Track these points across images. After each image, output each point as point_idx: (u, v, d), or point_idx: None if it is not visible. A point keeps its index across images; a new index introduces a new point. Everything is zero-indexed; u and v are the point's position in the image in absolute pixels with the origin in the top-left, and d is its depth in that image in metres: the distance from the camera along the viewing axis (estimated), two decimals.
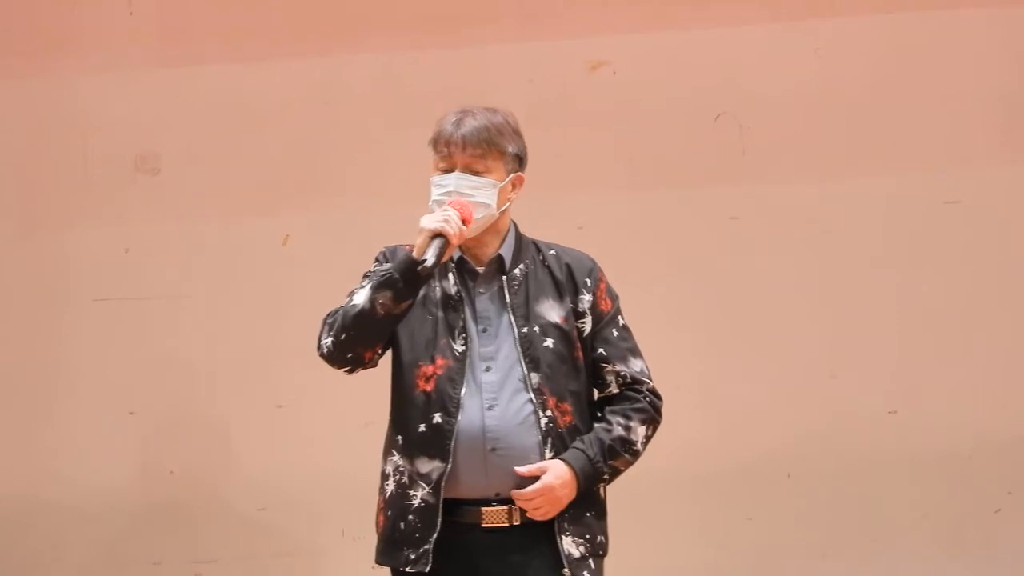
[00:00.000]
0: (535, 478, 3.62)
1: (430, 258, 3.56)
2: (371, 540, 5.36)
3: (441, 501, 3.63)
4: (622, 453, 3.71)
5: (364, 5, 5.49)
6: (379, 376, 5.34)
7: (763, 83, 5.39)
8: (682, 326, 5.31)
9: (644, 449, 3.76)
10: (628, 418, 3.74)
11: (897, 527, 5.32)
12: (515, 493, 3.63)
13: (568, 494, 3.65)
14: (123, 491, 5.47)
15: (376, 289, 3.60)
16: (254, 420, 5.45)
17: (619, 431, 3.72)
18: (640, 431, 3.74)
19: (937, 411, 5.32)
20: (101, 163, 5.54)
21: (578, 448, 3.67)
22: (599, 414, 3.76)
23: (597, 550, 3.71)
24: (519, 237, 3.80)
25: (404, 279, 3.59)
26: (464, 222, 3.61)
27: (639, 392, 3.77)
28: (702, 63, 5.41)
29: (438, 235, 3.58)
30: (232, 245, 5.49)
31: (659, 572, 5.29)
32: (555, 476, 3.63)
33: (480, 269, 3.75)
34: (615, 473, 3.72)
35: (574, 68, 5.42)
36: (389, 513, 3.71)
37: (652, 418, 3.77)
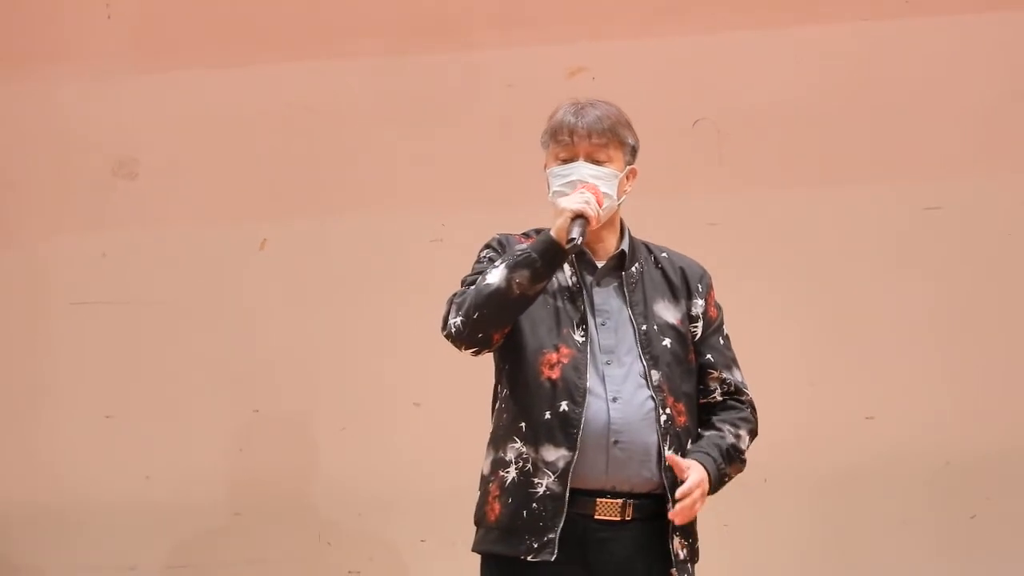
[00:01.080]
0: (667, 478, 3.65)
1: (578, 238, 3.54)
2: (346, 545, 5.41)
3: (568, 491, 3.60)
4: (736, 460, 3.76)
5: (344, 11, 5.49)
6: (353, 381, 5.37)
7: (741, 89, 5.40)
8: None
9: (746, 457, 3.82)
10: (737, 427, 3.79)
11: (874, 533, 5.32)
12: (681, 491, 3.61)
13: (706, 489, 3.67)
14: (99, 495, 5.47)
15: (513, 268, 3.58)
16: (231, 424, 5.45)
17: (731, 439, 3.77)
18: (746, 441, 3.80)
19: (914, 417, 5.33)
20: (79, 168, 5.54)
21: (703, 452, 3.70)
22: (706, 419, 3.79)
23: (695, 555, 3.76)
24: (631, 236, 3.81)
25: (543, 259, 3.57)
26: (599, 205, 3.62)
27: (742, 402, 3.83)
28: (680, 69, 5.41)
29: (579, 216, 3.56)
30: (210, 250, 5.49)
31: None
32: (695, 475, 3.64)
33: (599, 263, 3.74)
34: (729, 479, 3.77)
35: (553, 74, 5.43)
36: (510, 501, 3.66)
37: (754, 429, 3.84)
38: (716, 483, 3.70)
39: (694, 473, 3.63)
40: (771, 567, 5.32)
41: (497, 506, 3.69)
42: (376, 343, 5.40)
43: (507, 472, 3.68)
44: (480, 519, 3.74)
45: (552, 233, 3.58)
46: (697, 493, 3.63)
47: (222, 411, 5.45)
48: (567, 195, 3.62)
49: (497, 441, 3.73)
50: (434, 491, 5.24)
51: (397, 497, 5.33)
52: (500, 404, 3.76)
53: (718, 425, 3.78)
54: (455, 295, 3.69)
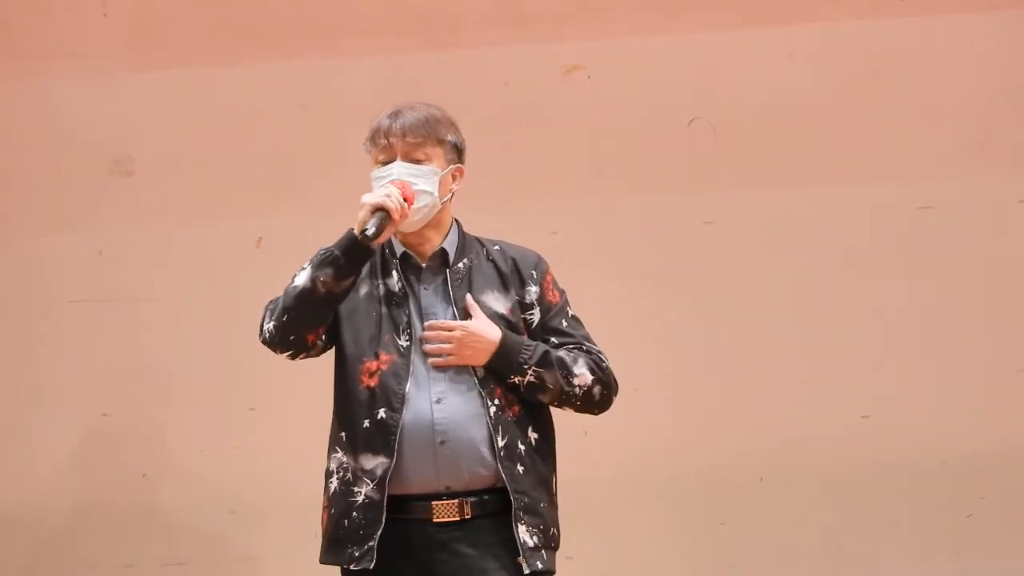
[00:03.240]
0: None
1: (371, 229, 3.56)
2: None
3: (386, 497, 3.61)
4: (555, 369, 3.69)
5: (340, 10, 5.49)
6: None
7: (737, 88, 5.40)
8: (655, 330, 5.31)
9: (583, 400, 3.73)
10: (576, 355, 3.74)
11: (870, 532, 5.32)
12: (431, 323, 3.63)
13: (481, 349, 3.64)
14: (95, 493, 5.46)
15: (317, 267, 3.62)
16: (226, 423, 5.45)
17: (561, 354, 3.72)
18: (585, 373, 3.73)
19: (910, 416, 5.33)
20: (75, 165, 5.53)
21: (516, 335, 3.69)
22: None
23: (550, 542, 3.70)
24: (462, 233, 3.81)
25: (345, 255, 3.60)
26: (406, 201, 3.61)
27: (598, 358, 3.78)
28: (676, 68, 5.41)
29: (379, 209, 3.59)
30: (206, 247, 5.48)
31: None
32: (481, 323, 3.65)
33: (423, 264, 3.74)
34: (538, 383, 3.68)
35: (548, 72, 5.43)
36: (333, 511, 3.72)
37: (604, 380, 3.76)
38: (509, 357, 3.65)
39: (475, 320, 3.65)
40: (767, 565, 5.33)
41: (325, 516, 3.77)
42: None
43: (331, 482, 3.75)
44: (321, 529, 3.80)
45: (355, 229, 3.60)
46: (457, 332, 3.62)
47: (218, 409, 5.45)
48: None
49: (328, 452, 3.78)
50: None
51: None
52: (332, 416, 3.80)
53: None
54: (270, 301, 3.74)
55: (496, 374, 3.67)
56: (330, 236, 5.38)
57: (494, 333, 3.66)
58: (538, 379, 3.68)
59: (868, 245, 5.38)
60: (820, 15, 5.40)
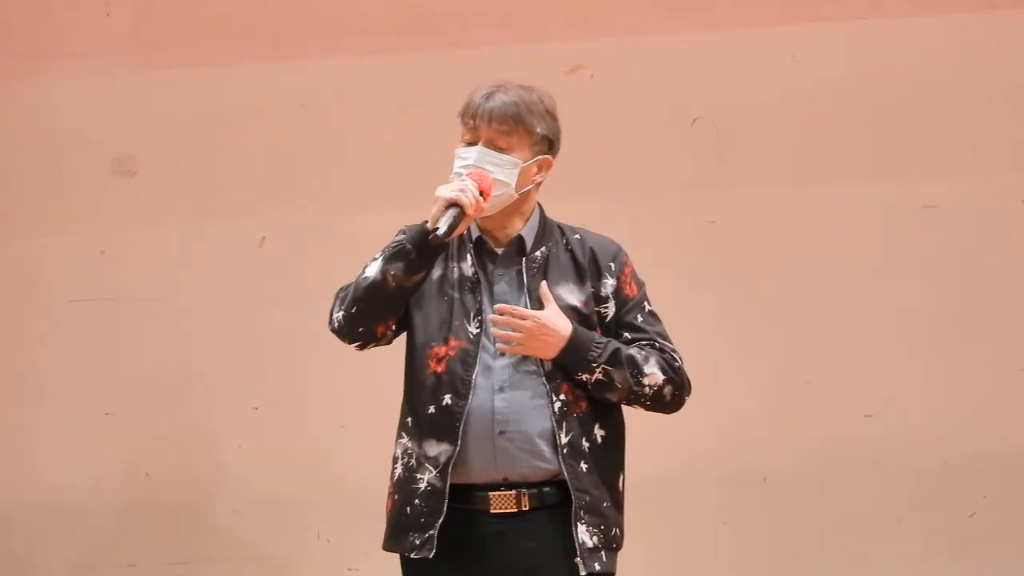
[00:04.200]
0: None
1: (442, 227, 3.48)
2: (344, 542, 5.41)
3: (448, 485, 3.55)
4: (625, 367, 3.59)
5: (341, 9, 5.49)
6: (354, 379, 5.37)
7: (740, 88, 5.39)
8: None
9: (653, 400, 3.64)
10: (648, 354, 3.65)
11: (872, 531, 5.32)
12: (502, 307, 3.53)
13: (551, 343, 3.54)
14: (98, 493, 5.47)
15: (388, 260, 3.55)
16: (229, 422, 5.45)
17: (632, 352, 3.63)
18: (656, 373, 3.64)
19: (913, 415, 5.33)
20: (77, 165, 5.53)
21: (588, 330, 3.59)
22: None
23: (611, 542, 3.64)
24: (544, 220, 3.73)
25: (416, 250, 3.53)
26: (483, 194, 3.53)
27: (671, 357, 3.69)
28: (679, 67, 5.41)
29: (453, 204, 3.50)
30: (208, 247, 5.49)
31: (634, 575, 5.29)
32: (554, 316, 3.55)
33: (499, 250, 3.67)
34: (606, 382, 3.59)
35: (551, 71, 5.41)
36: (396, 497, 3.64)
37: (676, 381, 3.67)
38: (582, 360, 3.57)
39: (548, 311, 3.55)
40: (769, 565, 5.33)
41: (389, 503, 3.69)
42: None
43: (396, 468, 3.67)
44: (385, 516, 3.72)
45: (428, 223, 3.53)
46: (529, 322, 3.52)
47: (221, 408, 5.45)
48: (451, 182, 3.56)
49: (396, 437, 3.70)
50: None
51: None
52: (402, 401, 3.73)
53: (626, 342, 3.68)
54: (340, 289, 3.66)
55: (564, 369, 3.59)
56: (333, 237, 5.42)
57: (565, 327, 3.56)
58: (607, 377, 3.59)
59: (871, 244, 5.38)
60: (823, 15, 5.40)
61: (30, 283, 5.54)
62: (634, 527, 5.16)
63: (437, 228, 3.49)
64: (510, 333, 3.55)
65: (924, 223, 5.36)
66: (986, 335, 5.34)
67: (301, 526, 5.41)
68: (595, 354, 3.58)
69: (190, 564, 5.46)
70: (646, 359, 3.64)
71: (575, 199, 5.36)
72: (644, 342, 3.68)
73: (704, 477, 5.33)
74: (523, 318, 3.54)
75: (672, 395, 3.68)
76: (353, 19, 5.48)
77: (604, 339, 3.62)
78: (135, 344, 5.49)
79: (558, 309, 3.59)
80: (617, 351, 3.61)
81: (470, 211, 3.51)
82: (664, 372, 3.65)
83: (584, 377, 3.60)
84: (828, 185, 5.39)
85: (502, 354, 3.59)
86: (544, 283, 3.60)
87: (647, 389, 3.63)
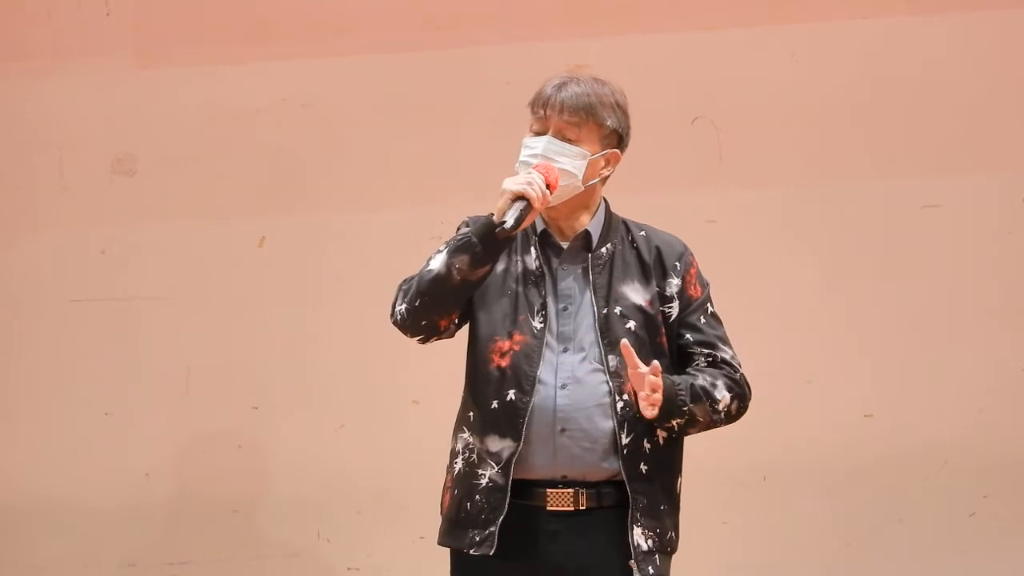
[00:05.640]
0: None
1: (509, 220, 3.44)
2: (344, 542, 5.41)
3: (510, 482, 3.52)
4: (703, 400, 3.56)
5: (342, 8, 5.49)
6: (352, 378, 5.37)
7: (740, 87, 5.39)
8: None
9: (725, 419, 3.62)
10: (714, 378, 3.62)
11: (872, 531, 5.32)
12: (636, 372, 3.46)
13: (658, 403, 3.48)
14: (98, 492, 5.46)
15: (453, 253, 3.51)
16: (229, 422, 5.45)
17: (703, 382, 3.59)
18: (725, 395, 3.61)
19: (913, 415, 5.33)
20: (77, 164, 5.54)
21: (666, 376, 3.53)
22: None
23: (666, 546, 3.61)
24: (609, 215, 3.70)
25: (482, 243, 3.48)
26: (549, 187, 3.50)
27: (731, 368, 3.67)
28: (679, 66, 5.41)
29: (520, 198, 3.47)
30: (208, 247, 5.49)
31: None
32: (659, 378, 3.48)
33: (564, 244, 3.64)
34: (691, 420, 3.55)
35: (552, 70, 5.39)
36: (456, 492, 3.61)
37: (740, 394, 3.65)
38: (671, 406, 3.50)
39: (651, 374, 3.46)
40: (770, 564, 5.33)
41: (448, 497, 3.65)
42: (375, 340, 5.38)
43: (456, 463, 3.63)
44: (441, 511, 3.69)
45: (494, 216, 3.49)
46: (648, 389, 3.45)
47: (221, 408, 5.45)
48: (518, 173, 3.54)
49: (454, 431, 3.66)
50: (433, 488, 5.23)
51: (396, 494, 5.33)
52: (463, 394, 3.69)
53: (693, 372, 3.63)
54: (404, 281, 3.62)
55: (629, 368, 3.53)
56: (333, 237, 5.43)
57: (660, 378, 3.49)
58: (691, 415, 3.55)
59: (872, 244, 5.38)
60: (823, 14, 5.40)
61: (30, 283, 5.54)
62: None
63: (504, 221, 3.45)
64: (653, 396, 3.48)
65: (924, 223, 5.36)
66: (986, 335, 5.34)
67: (301, 526, 5.41)
68: (683, 397, 3.54)
69: (190, 564, 5.46)
70: (714, 385, 3.62)
71: None
72: (705, 351, 3.66)
73: (704, 476, 5.31)
74: (653, 383, 3.47)
75: (738, 408, 3.68)
76: (353, 19, 5.48)
77: (680, 379, 3.58)
78: (135, 344, 5.49)
79: (654, 366, 3.51)
80: (693, 387, 3.58)
81: (537, 204, 3.48)
82: (730, 390, 3.64)
83: (675, 422, 3.57)
84: (828, 184, 5.39)
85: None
86: (624, 340, 3.53)
87: (722, 414, 3.62)
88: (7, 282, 5.55)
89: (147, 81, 5.54)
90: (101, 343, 5.50)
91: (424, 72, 5.41)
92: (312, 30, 5.49)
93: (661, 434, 3.60)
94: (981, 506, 5.31)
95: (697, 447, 5.29)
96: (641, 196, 5.38)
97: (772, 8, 5.40)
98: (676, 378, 3.57)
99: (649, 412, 3.48)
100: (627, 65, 5.42)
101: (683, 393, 3.54)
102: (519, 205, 3.47)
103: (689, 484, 5.31)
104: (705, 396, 3.58)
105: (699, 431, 3.64)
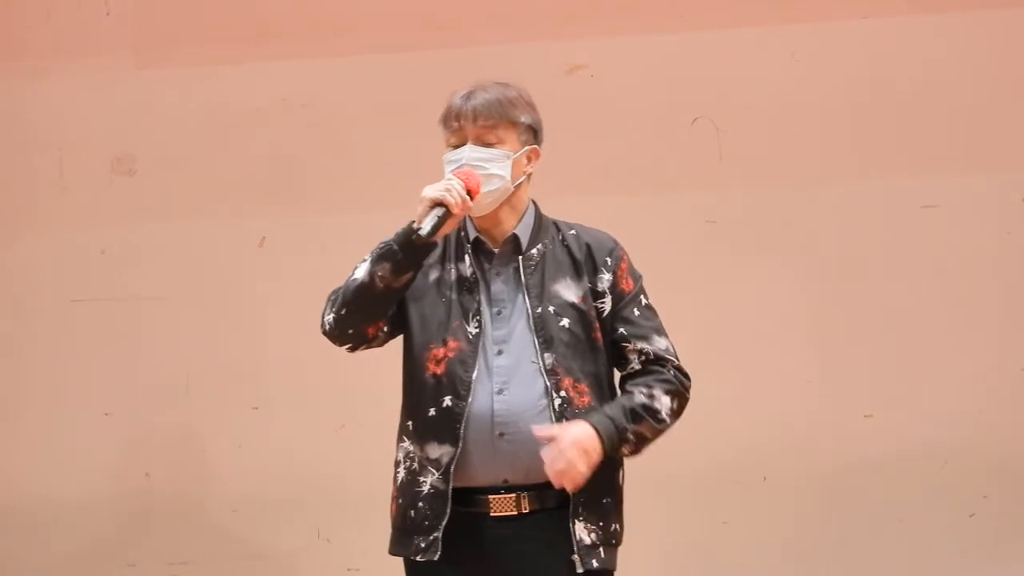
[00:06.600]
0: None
1: (426, 227, 3.48)
2: (344, 542, 5.41)
3: (451, 487, 3.55)
4: (645, 417, 3.59)
5: (341, 8, 5.49)
6: (354, 379, 5.37)
7: (740, 87, 5.40)
8: None
9: (671, 421, 3.65)
10: (650, 387, 3.63)
11: (872, 531, 5.32)
12: (540, 433, 3.48)
13: (591, 445, 3.49)
14: (98, 493, 5.47)
15: (375, 262, 3.55)
16: (229, 422, 5.45)
17: (641, 398, 3.61)
18: (664, 400, 3.63)
19: (913, 415, 5.33)
20: (77, 165, 5.54)
21: (598, 412, 3.57)
22: (623, 389, 3.67)
23: (610, 538, 3.63)
24: (539, 216, 3.73)
25: (403, 250, 3.53)
26: (470, 193, 3.53)
27: (663, 367, 3.67)
28: (679, 67, 5.41)
29: (438, 204, 3.51)
30: (208, 247, 5.49)
31: (633, 575, 5.29)
32: (578, 432, 3.50)
33: (496, 249, 3.67)
34: (640, 440, 3.59)
35: (551, 71, 5.42)
36: (400, 501, 3.64)
37: (678, 391, 3.67)
38: (616, 441, 3.54)
39: (570, 431, 3.48)
40: (769, 564, 5.32)
41: (394, 507, 3.69)
42: None
43: (399, 472, 3.67)
44: (391, 520, 3.72)
45: (414, 223, 3.53)
46: (570, 450, 3.45)
47: (221, 408, 5.45)
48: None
49: (396, 441, 3.70)
50: None
51: None
52: (402, 404, 3.72)
53: (628, 388, 3.65)
54: (332, 291, 3.66)
55: (563, 364, 3.57)
56: (333, 237, 5.43)
57: (586, 428, 3.52)
58: (640, 437, 3.59)
59: (872, 244, 5.38)
60: (823, 14, 5.40)
61: (30, 283, 5.54)
62: (634, 527, 5.17)
63: (420, 228, 3.49)
64: (569, 475, 3.49)
65: (924, 223, 5.36)
66: (986, 335, 5.34)
67: (301, 526, 5.41)
68: (622, 426, 3.56)
69: (190, 564, 5.46)
70: (651, 396, 3.64)
71: (575, 198, 5.36)
72: (638, 361, 3.67)
73: (704, 476, 5.33)
74: (562, 446, 3.48)
75: (680, 404, 3.69)
76: (353, 18, 5.48)
77: (610, 407, 3.60)
78: (135, 344, 5.49)
79: (574, 426, 3.52)
80: (631, 410, 3.60)
81: (456, 210, 3.52)
82: (668, 392, 3.66)
83: (626, 451, 3.60)
84: (828, 184, 5.39)
85: (498, 358, 3.59)
86: (539, 430, 3.54)
87: (667, 420, 3.65)
88: (7, 282, 5.55)
89: (147, 81, 5.54)
90: (101, 343, 5.50)
91: (423, 73, 5.40)
92: (312, 30, 5.49)
93: None
94: (981, 506, 5.31)
95: (696, 446, 5.32)
96: (641, 196, 5.42)
97: (772, 8, 5.40)
98: (610, 409, 3.60)
99: (570, 485, 3.50)
100: (628, 65, 5.43)
101: (626, 423, 3.58)
102: (437, 211, 3.51)
103: (689, 484, 5.35)
104: (646, 412, 3.62)
105: (653, 443, 3.66)
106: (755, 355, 5.37)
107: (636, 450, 3.63)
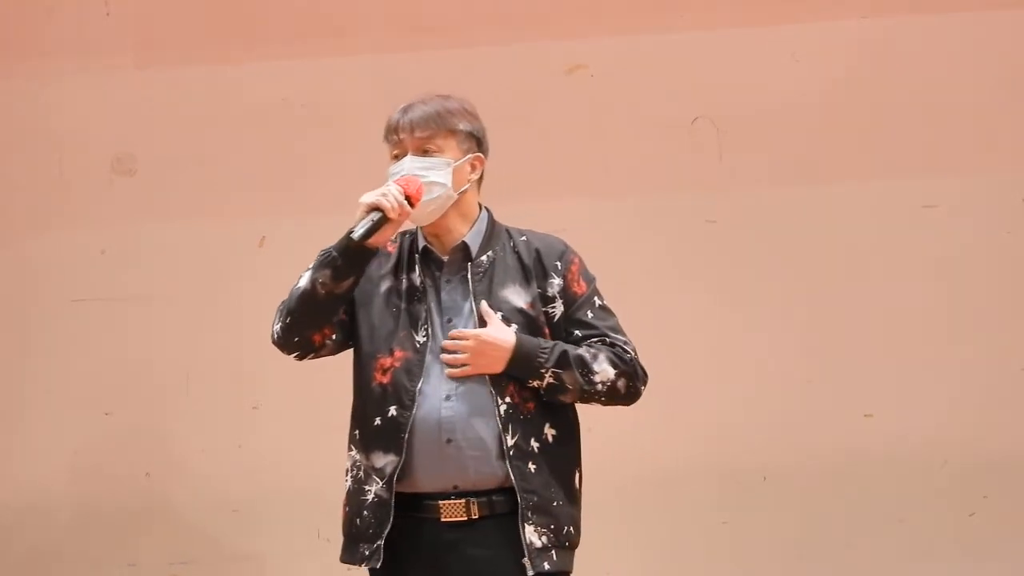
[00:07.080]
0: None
1: (359, 231, 3.53)
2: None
3: (394, 495, 3.59)
4: (574, 369, 3.61)
5: (341, 8, 5.49)
6: (352, 378, 5.35)
7: (740, 87, 5.40)
8: (658, 329, 5.30)
9: (608, 394, 3.65)
10: (599, 351, 3.66)
11: (873, 531, 5.32)
12: (451, 333, 3.58)
13: (497, 356, 3.58)
14: (98, 492, 5.46)
15: (317, 269, 3.60)
16: (229, 421, 5.45)
17: (581, 351, 3.64)
18: (606, 369, 3.65)
19: (913, 415, 5.33)
20: (77, 164, 5.54)
21: (534, 337, 3.62)
22: None
23: (563, 541, 3.63)
24: (491, 223, 3.75)
25: (342, 256, 3.57)
26: (409, 199, 3.57)
27: (625, 351, 3.69)
28: (679, 66, 5.41)
29: (374, 209, 3.56)
30: (208, 246, 5.49)
31: (633, 575, 5.29)
32: (495, 330, 3.59)
33: (445, 258, 3.70)
34: (557, 385, 3.61)
35: (551, 71, 5.43)
36: (348, 509, 3.69)
37: (628, 372, 3.68)
38: (527, 369, 3.59)
39: (489, 328, 3.58)
40: (769, 564, 5.33)
41: (342, 515, 3.73)
42: None
43: (347, 480, 3.71)
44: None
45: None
46: (471, 342, 3.57)
47: (221, 408, 5.45)
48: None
49: (347, 449, 3.74)
50: None
51: None
52: (350, 413, 3.76)
53: (581, 345, 3.68)
54: (281, 303, 3.72)
55: (514, 377, 3.62)
56: (333, 235, 5.41)
57: (508, 339, 3.60)
58: (557, 380, 3.61)
59: (872, 244, 5.38)
60: (823, 14, 5.40)
61: (30, 282, 5.54)
62: (634, 526, 5.18)
63: (353, 231, 3.54)
64: (456, 356, 3.59)
65: (924, 223, 5.36)
66: (986, 335, 5.35)
67: (301, 526, 5.41)
68: (542, 359, 3.60)
69: (190, 564, 5.46)
70: (595, 357, 3.65)
71: (575, 198, 5.39)
72: (594, 339, 3.69)
73: (704, 476, 5.33)
74: (464, 338, 3.59)
75: (627, 387, 3.70)
76: (353, 19, 5.48)
77: (550, 343, 3.64)
78: (135, 344, 5.49)
79: (500, 323, 3.62)
80: (564, 353, 3.63)
81: (392, 214, 3.56)
82: (615, 366, 3.67)
83: (535, 384, 3.62)
84: (828, 185, 5.39)
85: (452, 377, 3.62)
86: (484, 303, 3.63)
87: (599, 386, 3.65)
88: (7, 282, 5.55)
89: (147, 80, 5.54)
90: (101, 343, 5.50)
91: (424, 72, 5.40)
92: (312, 30, 5.49)
93: (550, 431, 3.64)
94: (981, 506, 5.32)
95: (696, 446, 5.33)
96: (641, 196, 5.42)
97: (772, 8, 5.40)
98: (544, 341, 3.63)
99: (451, 371, 3.58)
100: (627, 65, 5.43)
101: (544, 352, 3.61)
102: (372, 216, 3.55)
103: (690, 484, 5.35)
104: (578, 364, 3.63)
105: (573, 400, 3.68)
106: (755, 355, 5.37)
107: (549, 393, 3.63)
